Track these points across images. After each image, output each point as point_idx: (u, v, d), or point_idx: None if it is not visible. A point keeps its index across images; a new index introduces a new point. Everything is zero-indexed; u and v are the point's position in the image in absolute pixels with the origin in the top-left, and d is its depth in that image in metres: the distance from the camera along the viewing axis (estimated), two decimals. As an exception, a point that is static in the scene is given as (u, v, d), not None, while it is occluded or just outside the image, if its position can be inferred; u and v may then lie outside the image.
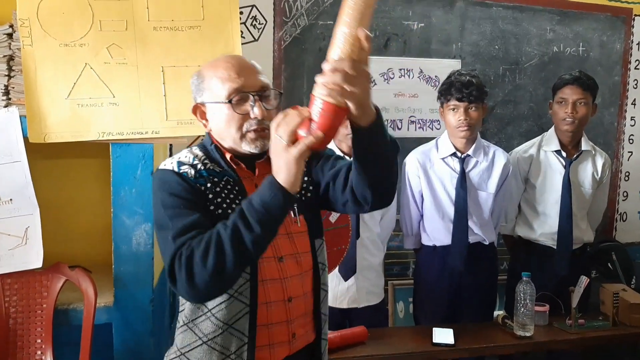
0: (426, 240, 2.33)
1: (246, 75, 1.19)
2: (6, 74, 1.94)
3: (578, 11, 3.08)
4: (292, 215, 1.23)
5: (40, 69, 1.84)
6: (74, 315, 1.95)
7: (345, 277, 2.09)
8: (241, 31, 2.49)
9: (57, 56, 1.84)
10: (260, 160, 1.24)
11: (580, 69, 2.91)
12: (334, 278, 2.08)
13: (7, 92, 1.95)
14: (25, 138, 1.86)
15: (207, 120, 1.25)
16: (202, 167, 1.20)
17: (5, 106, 1.93)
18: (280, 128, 1.01)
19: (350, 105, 0.97)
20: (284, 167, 1.01)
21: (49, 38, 1.83)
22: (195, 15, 1.93)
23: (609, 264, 2.94)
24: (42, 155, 2.04)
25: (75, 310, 1.95)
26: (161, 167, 1.22)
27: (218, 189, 1.18)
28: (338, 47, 0.96)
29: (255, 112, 1.18)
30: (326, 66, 0.96)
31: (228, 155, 1.22)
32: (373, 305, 2.19)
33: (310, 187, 1.29)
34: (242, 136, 1.20)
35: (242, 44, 2.46)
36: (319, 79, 0.97)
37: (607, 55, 3.19)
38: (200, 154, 1.23)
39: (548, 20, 3.02)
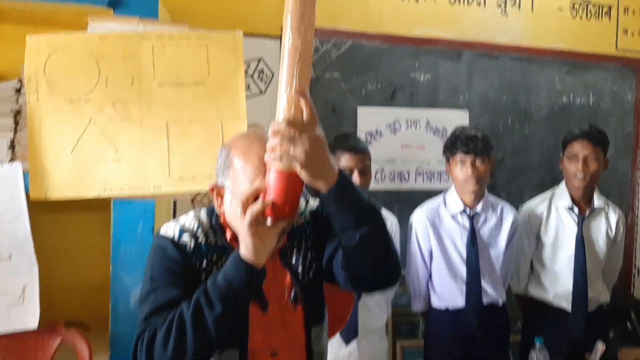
0: (437, 302, 2.25)
1: None
2: (12, 128, 1.95)
3: (587, 62, 3.06)
4: (291, 304, 1.17)
5: (46, 124, 1.84)
6: (69, 376, 1.89)
7: (347, 340, 2.01)
8: (248, 84, 2.51)
9: (62, 112, 1.84)
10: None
11: (591, 119, 2.89)
12: (334, 342, 2.00)
13: (12, 147, 1.95)
14: (27, 194, 1.85)
15: (222, 202, 1.18)
16: (204, 241, 1.15)
17: (10, 160, 1.93)
18: (237, 197, 0.99)
19: (296, 168, 0.94)
20: (242, 239, 0.97)
21: (55, 94, 1.84)
22: (200, 72, 1.93)
23: (628, 324, 2.82)
24: (43, 208, 2.02)
25: (70, 371, 1.89)
26: (162, 232, 1.18)
27: (215, 269, 1.13)
28: (279, 109, 0.96)
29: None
30: (269, 129, 0.95)
31: (229, 234, 1.16)
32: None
33: (314, 265, 1.22)
34: None
35: (248, 97, 2.47)
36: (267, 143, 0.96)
37: (618, 105, 3.15)
38: (205, 221, 1.19)
39: (557, 70, 3.01)
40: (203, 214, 1.21)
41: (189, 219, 1.20)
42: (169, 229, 1.17)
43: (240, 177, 1.11)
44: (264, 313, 1.13)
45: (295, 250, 1.21)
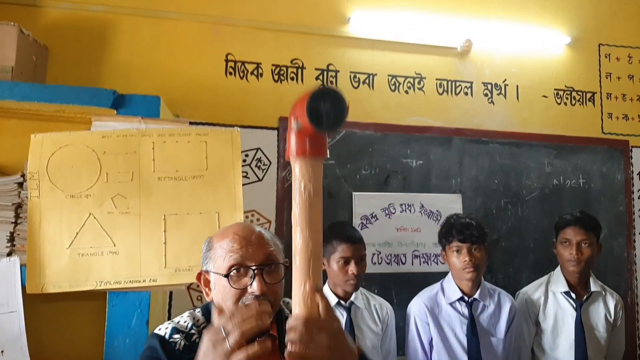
0: None
1: (250, 246, 1.18)
2: (13, 221, 1.99)
3: (575, 145, 3.16)
4: None
5: (45, 219, 1.89)
6: None
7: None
8: (246, 172, 2.59)
9: (62, 207, 1.89)
10: (261, 338, 1.18)
11: (583, 199, 2.94)
12: None
13: (12, 239, 1.99)
14: (23, 287, 1.86)
15: (209, 288, 1.23)
16: (198, 338, 1.16)
17: (9, 254, 1.96)
18: (232, 322, 0.92)
19: None
20: (203, 345, 0.93)
21: (57, 190, 1.90)
22: (199, 166, 2.00)
23: (637, 409, 2.72)
24: (38, 298, 2.03)
25: None
26: (156, 330, 1.20)
27: None
28: (295, 304, 0.96)
29: (254, 287, 1.14)
30: (287, 324, 0.94)
31: None
32: None
33: None
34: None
35: (246, 183, 2.55)
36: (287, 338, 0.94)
37: (608, 185, 3.21)
38: (201, 319, 1.21)
39: (545, 154, 3.10)
40: (198, 312, 1.24)
41: (183, 319, 1.22)
42: (162, 328, 1.19)
43: (219, 253, 1.19)
44: None
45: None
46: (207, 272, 1.24)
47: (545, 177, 3.09)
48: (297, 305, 0.95)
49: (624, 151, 3.27)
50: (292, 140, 0.97)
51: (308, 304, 0.95)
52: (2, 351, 1.86)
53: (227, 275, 1.16)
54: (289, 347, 0.94)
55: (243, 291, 1.15)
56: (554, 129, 3.13)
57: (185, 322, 1.20)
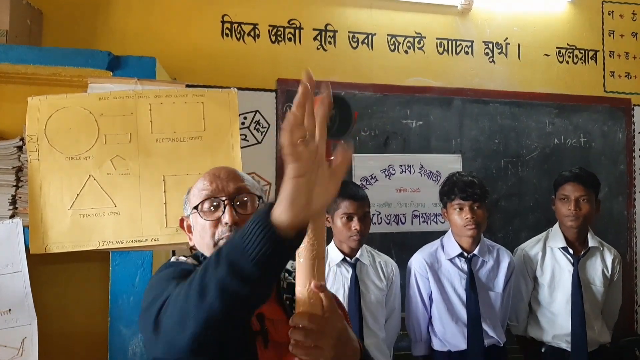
0: (438, 346, 2.25)
1: (219, 181, 1.20)
2: (14, 184, 2.01)
3: (576, 104, 3.14)
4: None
5: (46, 182, 1.90)
6: None
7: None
8: (245, 135, 2.59)
9: (62, 169, 1.91)
10: None
11: (583, 159, 2.94)
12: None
13: (14, 202, 2.01)
14: (27, 248, 1.90)
15: (192, 233, 1.24)
16: None
17: (12, 216, 1.98)
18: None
19: None
20: (284, 187, 0.78)
21: (56, 152, 1.91)
22: (196, 127, 2.00)
23: (632, 362, 2.78)
24: (42, 260, 2.07)
25: None
26: (172, 259, 1.22)
27: None
28: (299, 303, 0.97)
29: (225, 217, 1.15)
30: (290, 321, 0.95)
31: None
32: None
33: None
34: (215, 245, 1.16)
35: (245, 146, 2.56)
36: (290, 334, 0.95)
37: (609, 145, 3.20)
38: (190, 262, 1.20)
39: (546, 113, 3.08)
40: (182, 259, 1.23)
41: (189, 260, 1.23)
42: (179, 259, 1.20)
43: (193, 194, 1.22)
44: (266, 349, 1.11)
45: (293, 303, 1.18)
46: (187, 217, 1.25)
47: (546, 137, 3.08)
48: (301, 303, 0.97)
49: (625, 110, 3.25)
50: None
51: (313, 302, 0.96)
52: (9, 310, 1.90)
53: (195, 208, 1.18)
54: (292, 345, 0.95)
55: (216, 223, 1.16)
56: (556, 88, 3.10)
57: (191, 262, 1.20)
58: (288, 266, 1.28)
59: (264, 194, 1.28)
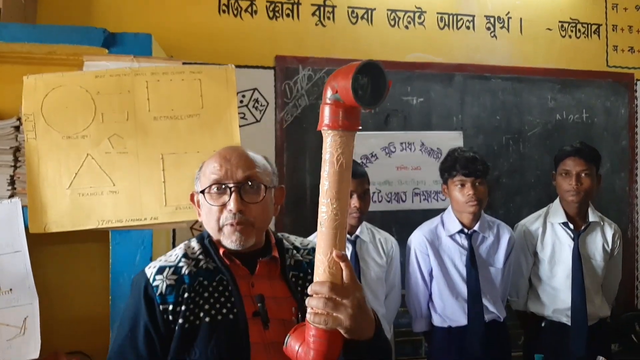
0: (439, 322, 2.26)
1: (230, 165, 1.20)
2: (12, 164, 2.00)
3: (578, 79, 3.10)
4: (297, 322, 1.16)
5: (43, 161, 1.89)
6: (70, 408, 1.90)
7: (349, 362, 2.01)
8: (243, 113, 2.57)
9: (59, 148, 1.89)
10: (264, 258, 1.20)
11: (585, 135, 2.92)
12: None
13: (12, 182, 2.01)
14: (27, 227, 1.89)
15: (200, 209, 1.27)
16: (187, 271, 1.17)
17: (10, 196, 1.98)
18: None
19: (340, 329, 0.95)
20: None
21: (53, 131, 1.89)
22: (194, 105, 1.98)
23: (633, 336, 2.79)
24: (43, 241, 2.07)
25: (70, 404, 1.90)
26: (146, 268, 1.22)
27: (206, 294, 1.15)
28: (318, 271, 0.98)
29: (230, 205, 1.17)
30: (309, 290, 0.97)
31: (221, 250, 1.20)
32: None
33: None
34: (220, 229, 1.19)
35: (244, 125, 2.54)
36: (308, 302, 0.97)
37: (612, 120, 3.18)
38: (196, 247, 1.22)
39: (548, 89, 3.05)
40: (194, 241, 1.25)
41: (174, 252, 1.23)
42: (151, 267, 1.20)
43: (204, 173, 1.23)
44: (266, 329, 1.13)
45: (300, 281, 1.23)
46: (196, 192, 1.27)
47: (548, 113, 3.05)
48: (322, 272, 0.97)
49: (628, 85, 3.21)
50: (326, 112, 0.96)
51: (333, 271, 0.96)
52: (10, 289, 1.91)
53: (202, 192, 1.20)
54: (311, 314, 0.96)
55: (222, 209, 1.18)
56: (558, 63, 3.07)
57: (175, 255, 1.21)
58: (297, 243, 1.30)
59: (276, 178, 1.29)
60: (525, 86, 3.01)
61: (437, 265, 2.22)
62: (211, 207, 1.19)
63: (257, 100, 2.61)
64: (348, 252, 2.14)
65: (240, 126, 2.13)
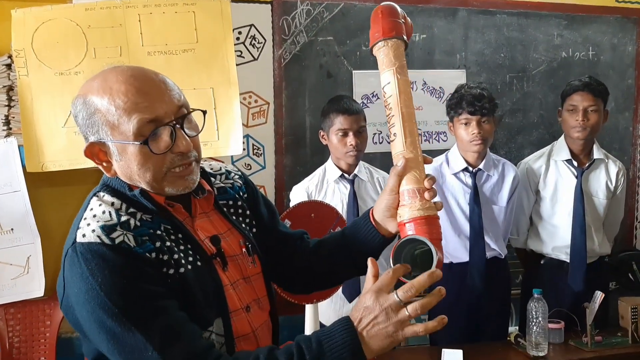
0: None
1: (157, 97, 0.93)
2: (6, 104, 1.97)
3: (586, 15, 3.00)
4: (248, 255, 1.08)
5: (37, 98, 1.86)
6: (78, 343, 1.94)
7: (350, 298, 2.04)
8: (240, 51, 2.49)
9: (52, 85, 1.85)
10: (202, 196, 1.04)
11: (591, 73, 2.84)
12: (337, 300, 2.03)
13: (7, 122, 1.98)
14: (24, 167, 1.88)
15: (108, 162, 0.97)
16: (136, 224, 0.93)
17: (6, 136, 1.95)
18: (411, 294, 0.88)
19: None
20: (386, 345, 0.88)
21: (44, 67, 1.85)
22: (189, 39, 1.93)
23: (630, 275, 2.82)
24: (42, 183, 2.06)
25: (78, 339, 1.92)
26: (79, 239, 0.89)
27: (169, 244, 0.95)
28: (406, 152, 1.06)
29: (179, 146, 0.93)
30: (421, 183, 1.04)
31: (162, 200, 0.98)
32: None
33: (254, 222, 1.15)
34: (163, 177, 0.95)
35: (241, 63, 2.47)
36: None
37: (618, 58, 3.09)
38: (117, 202, 0.95)
39: (555, 25, 2.95)
40: (105, 197, 0.96)
41: (98, 210, 0.93)
42: (87, 232, 0.89)
43: (114, 114, 0.91)
44: (225, 270, 1.02)
45: (232, 209, 1.12)
46: (100, 143, 0.94)
47: (554, 50, 2.96)
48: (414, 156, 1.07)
49: (637, 21, 3.11)
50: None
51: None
52: (12, 229, 1.91)
53: (145, 143, 0.91)
54: (410, 207, 1.02)
55: (165, 154, 0.94)
56: (566, -3, 2.96)
57: (103, 212, 0.92)
58: (208, 169, 1.13)
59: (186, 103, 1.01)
60: (531, 22, 2.91)
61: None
62: (151, 155, 0.92)
63: (254, 37, 2.52)
64: (346, 191, 2.12)
65: (237, 65, 2.07)
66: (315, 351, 0.86)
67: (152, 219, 0.96)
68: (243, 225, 1.12)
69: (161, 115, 0.92)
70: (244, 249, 1.08)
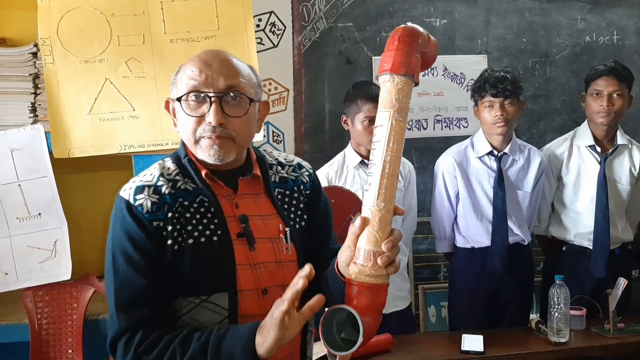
0: (462, 243, 2.28)
1: (211, 71, 1.05)
2: (32, 91, 2.01)
3: (611, -2, 2.94)
4: (284, 242, 1.13)
5: (63, 86, 1.89)
6: (104, 325, 1.99)
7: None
8: (260, 38, 2.50)
9: (78, 73, 1.88)
10: (245, 177, 1.13)
11: (615, 58, 2.78)
12: (357, 285, 2.05)
13: (34, 109, 2.02)
14: (51, 153, 1.92)
15: (176, 118, 1.13)
16: (167, 191, 1.06)
17: (33, 123, 1.99)
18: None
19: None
20: (265, 329, 0.93)
21: (70, 55, 1.88)
22: (210, 26, 1.94)
23: (653, 262, 2.79)
24: (68, 169, 2.10)
25: (104, 321, 1.99)
26: (121, 192, 1.08)
27: (188, 215, 1.06)
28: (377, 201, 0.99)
29: (210, 117, 1.04)
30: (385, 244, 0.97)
31: (203, 172, 1.09)
32: (400, 311, 2.15)
33: (305, 217, 1.19)
34: (196, 142, 1.07)
35: (261, 50, 2.48)
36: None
37: (644, 42, 3.03)
38: (172, 167, 1.10)
39: (578, 9, 2.90)
40: (168, 160, 1.13)
41: (149, 171, 1.11)
42: (126, 189, 1.08)
43: (181, 78, 1.08)
44: (252, 250, 1.09)
45: (287, 198, 1.18)
46: (171, 99, 1.13)
47: (577, 35, 2.91)
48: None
49: (665, 4, 3.03)
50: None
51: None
52: (39, 214, 1.96)
53: (179, 100, 1.07)
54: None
55: (200, 120, 1.06)
56: (590, -20, 2.89)
57: (151, 175, 1.09)
58: (281, 158, 1.24)
59: (260, 90, 1.16)
60: (554, 6, 2.86)
61: (464, 186, 2.21)
62: (188, 117, 1.06)
63: (274, 24, 2.53)
64: (367, 176, 2.12)
65: (257, 52, 2.08)
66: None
67: (193, 190, 1.08)
68: (291, 215, 1.17)
69: (205, 86, 1.05)
70: (281, 235, 1.13)
